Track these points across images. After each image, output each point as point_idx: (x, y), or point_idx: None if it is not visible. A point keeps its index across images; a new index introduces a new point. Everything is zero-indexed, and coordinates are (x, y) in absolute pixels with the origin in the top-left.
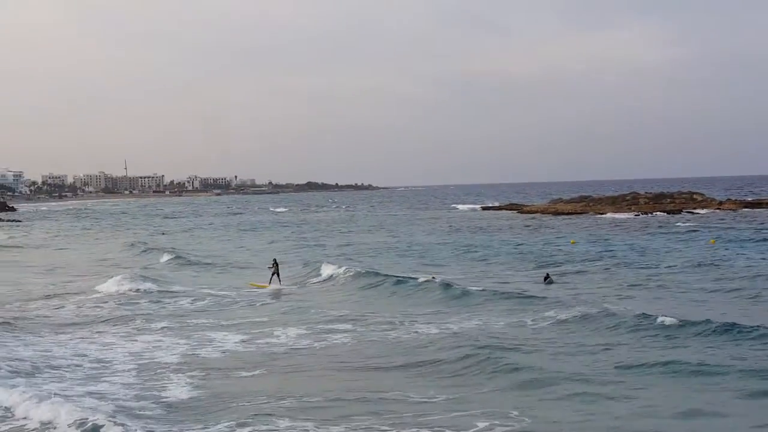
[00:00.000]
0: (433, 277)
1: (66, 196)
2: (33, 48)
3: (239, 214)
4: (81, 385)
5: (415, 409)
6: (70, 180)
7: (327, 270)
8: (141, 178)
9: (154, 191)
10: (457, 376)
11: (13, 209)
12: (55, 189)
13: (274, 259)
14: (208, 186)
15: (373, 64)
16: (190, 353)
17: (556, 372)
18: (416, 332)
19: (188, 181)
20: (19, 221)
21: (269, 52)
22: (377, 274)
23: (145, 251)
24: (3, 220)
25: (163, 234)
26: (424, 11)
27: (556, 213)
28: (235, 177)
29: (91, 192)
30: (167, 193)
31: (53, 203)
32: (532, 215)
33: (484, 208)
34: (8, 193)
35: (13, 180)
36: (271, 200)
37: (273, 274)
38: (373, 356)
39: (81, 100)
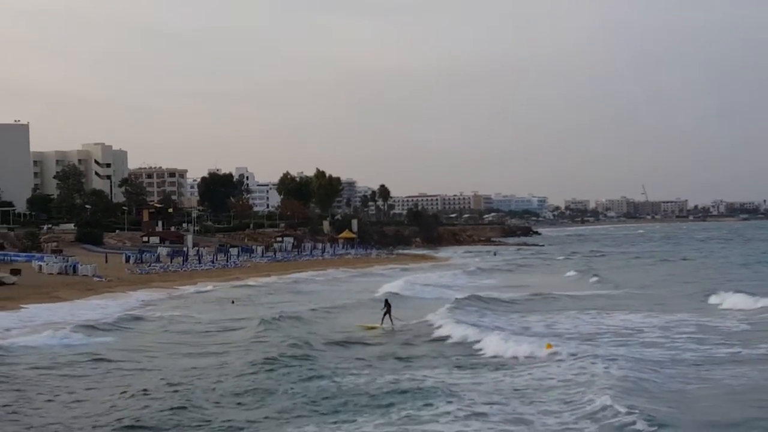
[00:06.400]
0: None
1: (588, 221)
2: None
3: None
4: None
5: None
6: (592, 205)
7: None
8: (663, 203)
9: (677, 216)
10: None
11: (537, 233)
12: (577, 214)
13: (386, 300)
14: (735, 210)
15: None
16: None
17: None
18: None
19: (713, 206)
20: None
21: None
22: None
23: None
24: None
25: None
26: None
27: None
28: (765, 201)
29: (612, 217)
30: (690, 218)
31: (575, 228)
32: None
33: None
34: (533, 218)
35: (538, 205)
36: None
37: (385, 315)
38: None
39: (597, 122)
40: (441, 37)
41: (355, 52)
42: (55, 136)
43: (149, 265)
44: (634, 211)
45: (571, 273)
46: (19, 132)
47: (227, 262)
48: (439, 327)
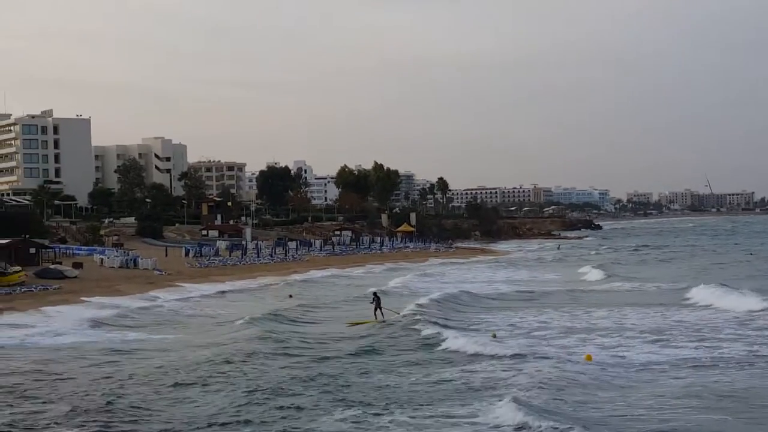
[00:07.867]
0: None
1: (651, 213)
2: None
3: None
4: None
5: None
6: (655, 198)
7: None
8: (728, 195)
9: (743, 209)
10: None
11: (599, 227)
12: (639, 207)
13: (375, 293)
14: None
15: None
16: None
17: None
18: None
19: None
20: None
21: None
22: None
23: None
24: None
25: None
26: None
27: None
28: None
29: (676, 209)
30: (757, 210)
31: (629, 221)
32: None
33: None
34: (594, 211)
35: (599, 198)
36: None
37: (376, 309)
38: None
39: (658, 113)
40: (495, 24)
41: (407, 41)
42: (115, 131)
43: (208, 259)
44: (698, 204)
45: (585, 269)
46: (82, 126)
47: (285, 255)
48: (415, 323)
